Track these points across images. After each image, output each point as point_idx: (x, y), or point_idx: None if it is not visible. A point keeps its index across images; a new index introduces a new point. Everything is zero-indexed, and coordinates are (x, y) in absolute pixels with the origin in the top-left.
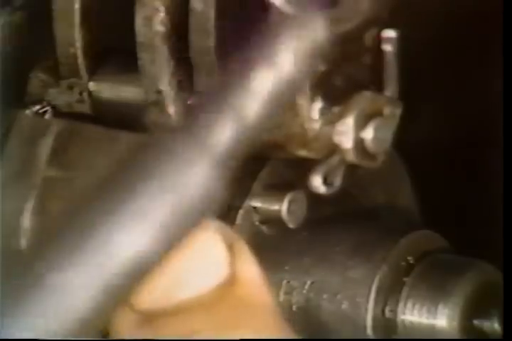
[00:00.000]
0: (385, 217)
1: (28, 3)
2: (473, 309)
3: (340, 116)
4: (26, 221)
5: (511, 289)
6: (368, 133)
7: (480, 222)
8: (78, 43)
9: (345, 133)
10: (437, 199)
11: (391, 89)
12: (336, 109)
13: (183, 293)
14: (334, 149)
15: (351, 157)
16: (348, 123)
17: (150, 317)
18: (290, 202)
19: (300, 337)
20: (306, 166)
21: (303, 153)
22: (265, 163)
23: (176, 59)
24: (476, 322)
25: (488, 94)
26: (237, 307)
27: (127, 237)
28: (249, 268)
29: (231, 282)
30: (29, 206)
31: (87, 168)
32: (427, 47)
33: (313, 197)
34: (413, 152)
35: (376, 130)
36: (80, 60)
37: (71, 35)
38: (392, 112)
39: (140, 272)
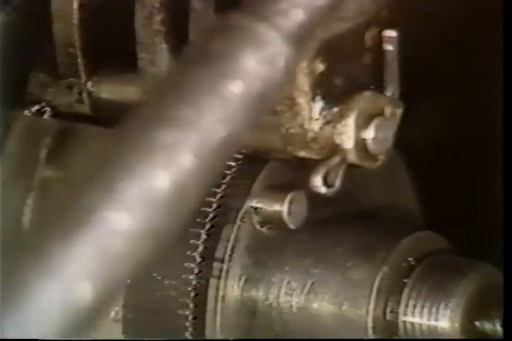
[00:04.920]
0: (385, 217)
1: (28, 3)
2: (475, 310)
3: (341, 117)
4: (25, 221)
5: (511, 289)
6: (369, 134)
7: (481, 222)
8: (77, 43)
9: (346, 134)
10: (438, 200)
11: (392, 89)
12: (336, 109)
13: None
14: (335, 149)
15: (352, 157)
16: (349, 123)
17: None
18: (291, 203)
19: (300, 338)
20: (306, 166)
21: (303, 153)
22: (265, 163)
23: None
24: (477, 323)
25: (488, 94)
26: None
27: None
28: None
29: None
30: (27, 206)
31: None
32: (428, 46)
33: (314, 198)
34: (413, 152)
35: (377, 130)
36: (79, 59)
37: (70, 35)
38: (393, 112)
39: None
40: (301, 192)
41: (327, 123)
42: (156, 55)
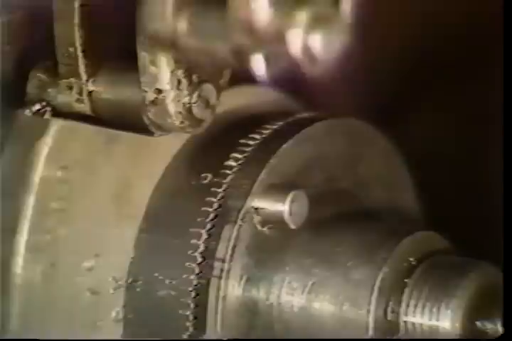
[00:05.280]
0: (386, 217)
1: (28, 3)
2: (476, 310)
3: (292, 10)
4: (25, 221)
5: (511, 289)
6: (316, 32)
7: (481, 222)
8: (78, 43)
9: (294, 28)
10: (438, 200)
11: (346, 6)
12: (289, 2)
13: None
14: (280, 41)
15: (294, 51)
16: (300, 18)
17: None
18: (292, 203)
19: (301, 338)
20: (308, 166)
21: (247, 41)
22: (265, 163)
23: (176, 58)
24: (478, 323)
25: (488, 96)
26: None
27: None
28: None
29: None
30: (28, 206)
31: (86, 169)
32: (428, 48)
33: (315, 198)
34: (413, 152)
35: (323, 33)
36: (80, 59)
37: (71, 34)
38: (341, 24)
39: None
40: (302, 192)
41: (277, 14)
42: (156, 55)
